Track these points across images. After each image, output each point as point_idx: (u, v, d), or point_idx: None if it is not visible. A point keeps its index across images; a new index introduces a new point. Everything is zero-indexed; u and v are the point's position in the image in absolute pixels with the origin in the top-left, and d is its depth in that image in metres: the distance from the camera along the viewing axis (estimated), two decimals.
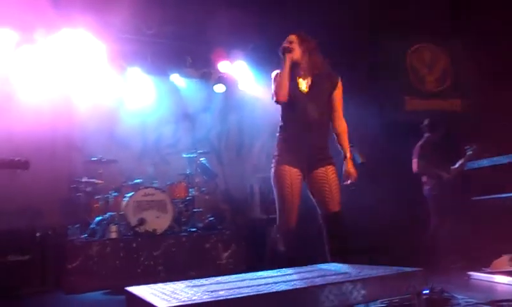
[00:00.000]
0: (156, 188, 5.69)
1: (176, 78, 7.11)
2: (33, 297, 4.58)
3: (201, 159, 6.40)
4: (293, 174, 3.00)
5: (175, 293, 2.05)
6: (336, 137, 3.26)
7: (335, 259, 2.92)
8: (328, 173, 3.04)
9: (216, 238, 5.67)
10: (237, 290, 2.02)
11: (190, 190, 6.18)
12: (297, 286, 2.03)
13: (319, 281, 2.14)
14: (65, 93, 6.19)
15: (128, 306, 2.32)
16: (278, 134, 3.22)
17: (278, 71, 3.17)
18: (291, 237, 3.03)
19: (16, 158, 3.24)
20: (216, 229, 5.97)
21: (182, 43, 6.67)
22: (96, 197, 5.75)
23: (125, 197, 5.59)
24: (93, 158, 5.83)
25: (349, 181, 3.16)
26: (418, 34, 7.13)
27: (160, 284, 2.37)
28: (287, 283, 2.16)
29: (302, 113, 3.06)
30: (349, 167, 3.18)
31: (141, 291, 2.19)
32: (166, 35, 6.46)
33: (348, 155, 3.20)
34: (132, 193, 5.51)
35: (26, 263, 4.78)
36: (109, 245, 5.11)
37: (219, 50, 6.82)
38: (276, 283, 2.18)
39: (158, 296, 1.99)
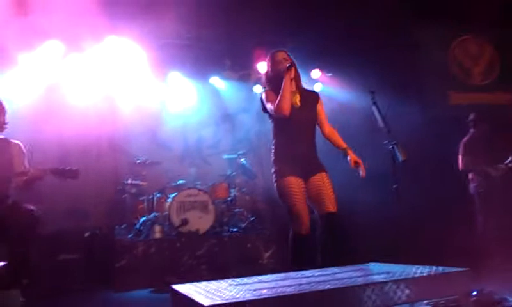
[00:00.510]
0: (198, 189, 5.80)
1: (216, 81, 7.23)
2: (83, 294, 4.77)
3: (241, 160, 6.46)
4: (298, 182, 3.20)
5: (219, 291, 2.09)
6: (330, 141, 3.51)
7: (326, 259, 3.09)
8: (323, 178, 3.27)
9: (257, 238, 5.71)
10: (280, 289, 2.04)
11: (231, 190, 6.25)
12: (339, 286, 2.03)
13: (361, 281, 2.12)
14: (110, 98, 6.43)
15: (173, 304, 2.38)
16: (273, 149, 3.41)
17: (264, 89, 3.42)
18: (308, 240, 3.23)
19: (67, 168, 3.44)
20: (257, 229, 6.01)
21: (221, 46, 6.76)
22: (141, 198, 5.93)
23: (168, 198, 5.74)
24: (137, 161, 6.02)
25: (362, 171, 3.36)
26: (462, 25, 6.88)
27: (203, 283, 2.42)
28: (329, 282, 2.15)
29: (297, 126, 3.27)
30: (353, 156, 3.38)
31: (185, 289, 2.24)
32: (205, 39, 6.56)
33: (346, 147, 3.43)
34: (175, 194, 5.65)
35: (76, 262, 4.99)
36: (153, 245, 5.25)
37: (257, 51, 6.86)
38: (318, 282, 2.18)
39: (202, 294, 2.04)
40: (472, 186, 5.13)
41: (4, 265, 3.12)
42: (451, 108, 6.73)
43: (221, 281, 2.43)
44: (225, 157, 6.49)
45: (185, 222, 5.46)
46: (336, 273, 2.48)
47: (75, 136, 5.76)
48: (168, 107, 6.82)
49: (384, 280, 2.11)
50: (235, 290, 2.08)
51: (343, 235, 3.27)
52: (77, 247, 5.06)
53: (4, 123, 3.54)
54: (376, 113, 3.81)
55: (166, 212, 5.59)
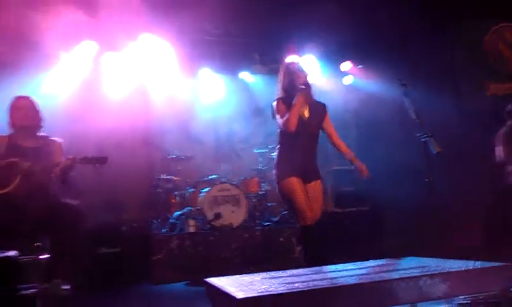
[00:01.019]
0: (231, 184, 5.86)
1: (246, 76, 7.27)
2: (122, 287, 4.91)
3: (272, 154, 6.48)
4: (299, 181, 3.53)
5: (252, 284, 2.12)
6: (337, 150, 3.81)
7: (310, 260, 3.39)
8: (317, 186, 3.62)
9: (290, 232, 5.72)
10: (313, 282, 2.06)
11: (262, 184, 6.29)
12: (373, 280, 2.03)
13: (394, 275, 2.12)
14: (143, 95, 6.59)
15: (208, 296, 2.44)
16: (276, 153, 3.75)
17: (276, 101, 3.64)
18: (314, 229, 3.53)
19: (95, 155, 3.57)
20: (289, 223, 6.02)
21: (249, 41, 6.78)
22: (175, 193, 6.05)
23: (201, 192, 5.83)
24: (170, 156, 6.14)
25: (365, 173, 3.66)
26: (500, 12, 6.65)
27: (237, 276, 2.46)
28: (363, 276, 2.16)
29: (301, 138, 3.55)
30: (357, 162, 3.69)
31: (220, 282, 2.29)
32: (233, 34, 6.60)
33: (352, 157, 3.72)
34: (208, 188, 5.73)
35: (115, 255, 5.14)
36: (188, 238, 5.36)
37: (286, 45, 6.85)
38: (351, 275, 2.19)
39: (236, 287, 2.08)
40: (511, 179, 4.96)
41: (46, 258, 3.26)
42: (487, 99, 6.53)
43: (255, 275, 2.47)
44: (256, 151, 6.51)
45: (218, 216, 5.53)
46: (369, 267, 2.48)
47: (110, 132, 5.93)
48: (199, 103, 6.92)
49: (419, 274, 2.09)
50: (268, 283, 2.11)
51: (318, 239, 3.60)
52: (116, 240, 5.21)
53: (40, 123, 3.66)
54: (408, 105, 3.75)
55: (199, 206, 5.69)
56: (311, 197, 3.58)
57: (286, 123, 3.47)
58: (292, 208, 3.61)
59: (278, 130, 3.72)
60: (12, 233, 3.19)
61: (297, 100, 3.48)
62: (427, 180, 3.57)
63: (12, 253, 2.04)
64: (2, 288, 1.96)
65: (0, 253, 2.01)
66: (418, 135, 3.64)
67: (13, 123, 3.61)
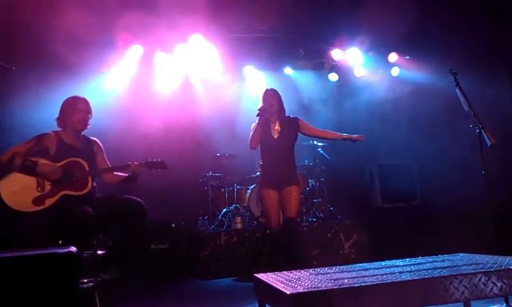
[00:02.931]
0: None
1: (290, 71, 7.26)
2: (171, 282, 5.06)
3: (318, 149, 6.44)
4: (270, 192, 4.08)
5: (300, 280, 2.13)
6: (329, 139, 4.49)
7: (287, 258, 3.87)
8: (292, 191, 4.04)
9: (337, 228, 5.67)
10: (361, 279, 2.03)
11: (309, 180, 6.26)
12: (423, 276, 1.97)
13: (446, 272, 2.05)
14: (190, 94, 6.75)
15: (256, 292, 2.46)
16: (260, 166, 4.30)
17: (254, 124, 4.11)
18: (279, 233, 4.08)
19: (156, 160, 3.76)
20: (337, 219, 5.97)
21: (294, 36, 6.76)
22: (222, 190, 6.15)
23: (248, 189, 5.88)
24: (217, 154, 6.25)
25: (361, 138, 4.09)
26: None
27: (285, 272, 2.47)
28: (413, 272, 2.11)
29: (274, 152, 4.11)
30: (353, 136, 4.09)
31: (268, 278, 2.31)
32: (278, 30, 6.59)
33: (345, 136, 4.14)
34: (254, 185, 5.77)
35: (165, 251, 5.30)
36: (235, 235, 5.43)
37: (331, 39, 6.78)
38: (401, 272, 2.14)
39: (284, 283, 2.09)
40: None
41: (103, 253, 3.41)
42: None
43: (303, 271, 2.47)
44: (303, 144, 6.49)
45: None
46: (420, 263, 2.42)
47: (159, 131, 6.11)
48: (244, 100, 6.97)
49: (473, 271, 2.02)
50: (316, 280, 2.11)
51: (298, 235, 4.17)
52: (166, 237, 5.35)
53: (88, 122, 3.77)
54: (460, 95, 3.61)
55: (246, 203, 5.74)
56: (283, 201, 4.04)
57: (249, 143, 4.11)
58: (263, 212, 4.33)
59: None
60: (82, 228, 3.29)
61: (256, 124, 4.04)
62: (483, 172, 3.43)
63: (73, 249, 2.16)
64: (66, 282, 2.08)
65: (64, 249, 2.13)
66: (471, 126, 3.51)
67: (66, 122, 3.63)
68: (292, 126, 4.19)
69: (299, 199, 4.11)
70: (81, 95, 3.76)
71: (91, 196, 3.51)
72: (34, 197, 3.33)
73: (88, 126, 3.72)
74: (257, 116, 4.04)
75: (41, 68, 5.25)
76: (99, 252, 3.35)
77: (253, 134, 4.10)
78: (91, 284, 3.20)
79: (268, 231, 4.21)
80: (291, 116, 4.27)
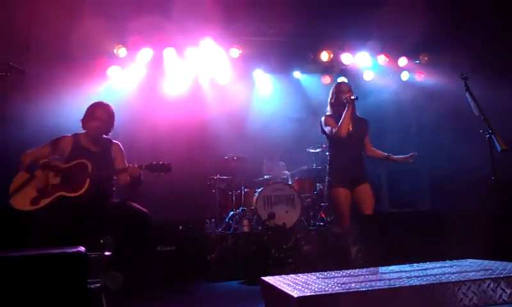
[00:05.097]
0: (284, 184, 5.87)
1: (299, 75, 7.26)
2: (177, 284, 5.06)
3: (326, 153, 6.41)
4: (344, 192, 4.00)
5: (307, 283, 2.12)
6: (374, 157, 4.26)
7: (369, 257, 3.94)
8: (366, 188, 4.05)
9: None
10: (369, 283, 2.02)
11: (316, 184, 6.25)
12: (431, 282, 1.96)
13: (454, 277, 2.03)
14: (199, 97, 6.77)
15: (263, 295, 2.46)
16: (328, 160, 4.22)
17: (324, 117, 4.14)
18: (348, 235, 4.23)
19: (160, 163, 3.69)
20: None
21: (303, 40, 6.76)
22: (229, 193, 6.15)
23: (255, 192, 5.88)
24: (225, 157, 6.25)
25: (409, 158, 4.10)
26: None
27: (292, 275, 2.47)
28: (421, 278, 2.09)
29: (350, 147, 4.03)
30: (398, 158, 4.17)
31: (275, 281, 2.31)
32: (288, 33, 6.60)
33: (387, 155, 4.21)
34: (262, 188, 5.77)
35: (171, 253, 5.30)
36: (242, 238, 5.42)
37: (340, 43, 6.78)
38: (409, 277, 2.13)
39: (291, 286, 2.09)
40: None
41: (109, 255, 3.41)
42: None
43: (310, 274, 2.46)
44: (310, 150, 6.48)
45: (272, 215, 5.56)
46: (428, 268, 2.40)
47: (167, 133, 6.13)
48: (252, 104, 6.99)
49: (482, 277, 2.00)
50: (323, 283, 2.10)
51: (377, 232, 4.20)
52: (173, 239, 5.36)
53: (103, 131, 3.77)
54: (470, 100, 3.58)
55: (253, 206, 5.74)
56: (359, 199, 4.03)
57: (338, 130, 3.92)
58: (334, 213, 4.29)
59: (328, 141, 4.23)
60: (80, 230, 3.35)
61: (349, 108, 3.94)
62: (493, 178, 3.39)
63: (82, 248, 2.17)
64: (75, 281, 2.09)
65: (72, 248, 2.14)
66: (481, 131, 3.48)
67: (84, 126, 3.69)
68: (363, 123, 4.20)
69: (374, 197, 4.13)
70: (106, 102, 3.84)
71: (88, 198, 3.46)
72: (33, 197, 3.38)
73: (109, 134, 3.80)
74: (354, 99, 3.98)
75: (54, 70, 5.31)
76: (106, 253, 3.36)
77: (344, 119, 3.92)
78: (98, 285, 3.21)
79: (339, 234, 4.25)
80: (361, 117, 4.26)
